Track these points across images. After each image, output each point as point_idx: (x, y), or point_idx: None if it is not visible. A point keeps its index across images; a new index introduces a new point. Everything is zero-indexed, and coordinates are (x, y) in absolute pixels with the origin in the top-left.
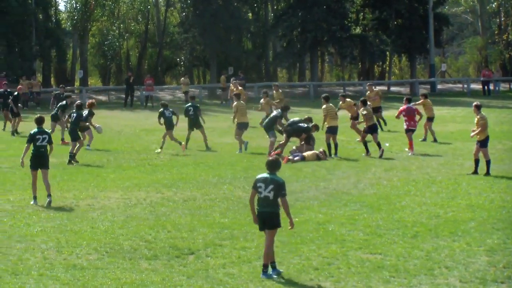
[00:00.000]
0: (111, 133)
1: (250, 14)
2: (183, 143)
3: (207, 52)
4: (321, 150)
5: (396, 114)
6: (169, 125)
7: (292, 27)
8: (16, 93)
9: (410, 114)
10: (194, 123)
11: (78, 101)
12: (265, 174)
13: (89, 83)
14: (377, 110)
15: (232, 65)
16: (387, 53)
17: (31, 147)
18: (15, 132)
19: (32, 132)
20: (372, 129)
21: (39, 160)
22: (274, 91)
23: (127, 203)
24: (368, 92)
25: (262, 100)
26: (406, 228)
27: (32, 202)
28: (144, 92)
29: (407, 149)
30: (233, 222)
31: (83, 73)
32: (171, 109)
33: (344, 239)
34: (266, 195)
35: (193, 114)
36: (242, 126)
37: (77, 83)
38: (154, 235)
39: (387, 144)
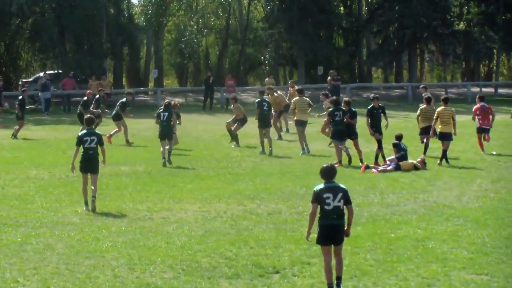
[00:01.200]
0: (189, 139)
1: (341, 8)
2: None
3: (294, 50)
4: (420, 158)
5: (471, 116)
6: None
7: (388, 22)
8: (85, 97)
9: (484, 113)
10: (266, 121)
11: (167, 100)
12: (326, 184)
13: (164, 83)
14: None
15: (322, 64)
16: (494, 51)
17: (81, 150)
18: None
19: (80, 133)
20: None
21: (88, 164)
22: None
23: (206, 216)
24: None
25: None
26: None
27: (84, 208)
28: (224, 94)
29: (494, 153)
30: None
31: (158, 72)
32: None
33: (446, 258)
34: (336, 205)
35: (267, 109)
36: (300, 124)
37: (151, 84)
38: (235, 252)
39: (494, 153)
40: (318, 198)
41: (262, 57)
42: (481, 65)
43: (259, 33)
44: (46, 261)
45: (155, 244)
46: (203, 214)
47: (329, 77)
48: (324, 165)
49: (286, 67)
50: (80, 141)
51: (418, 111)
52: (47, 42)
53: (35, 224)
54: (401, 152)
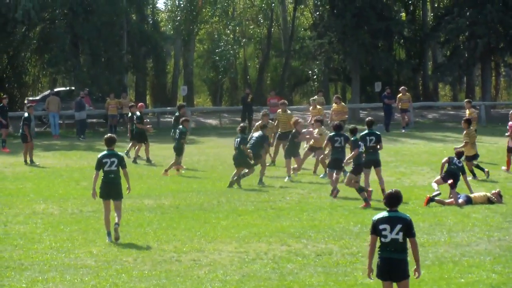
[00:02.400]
0: (223, 166)
1: (403, 14)
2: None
3: (348, 63)
4: (496, 191)
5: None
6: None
7: (458, 30)
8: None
9: None
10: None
11: (242, 124)
12: (385, 213)
13: (195, 102)
14: None
15: (380, 80)
16: None
17: (101, 174)
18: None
19: (99, 155)
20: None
21: (109, 188)
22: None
23: (243, 258)
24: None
25: None
26: None
27: (107, 240)
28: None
29: (503, 168)
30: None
31: (188, 89)
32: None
33: None
34: (394, 238)
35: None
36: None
37: (179, 102)
38: None
39: None
40: (374, 228)
41: (310, 72)
42: None
43: (306, 43)
44: None
45: None
46: (240, 255)
47: (400, 95)
48: (390, 191)
49: (338, 83)
50: (100, 164)
51: None
52: (58, 53)
53: (43, 268)
54: (451, 167)
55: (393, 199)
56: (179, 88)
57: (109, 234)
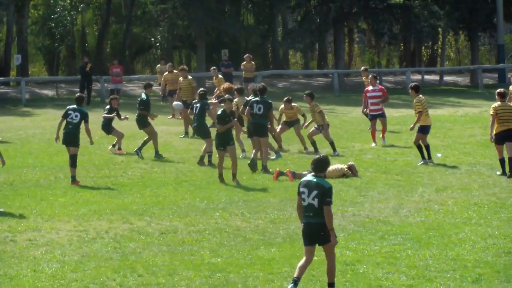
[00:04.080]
0: (53, 141)
1: None
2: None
3: (192, 29)
4: (349, 163)
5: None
6: None
7: None
8: None
9: None
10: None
11: (201, 89)
12: (309, 177)
13: (30, 72)
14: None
15: (228, 47)
16: (439, 30)
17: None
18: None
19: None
20: None
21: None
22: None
23: (83, 237)
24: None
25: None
26: (465, 269)
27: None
28: (110, 85)
29: (439, 155)
30: (228, 263)
31: (22, 58)
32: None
33: (381, 285)
34: (311, 203)
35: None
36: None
37: (13, 72)
38: (120, 281)
39: (439, 155)
40: (298, 190)
41: (153, 39)
42: (423, 48)
43: (148, 8)
44: None
45: (19, 273)
46: (79, 234)
47: (244, 63)
48: (318, 156)
49: (182, 50)
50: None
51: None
52: None
53: None
54: None
55: (318, 164)
56: (13, 57)
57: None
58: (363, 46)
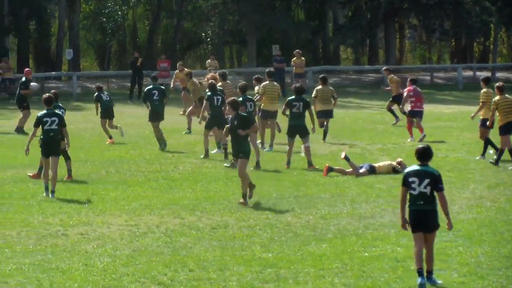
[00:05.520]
0: (112, 135)
1: None
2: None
3: (243, 25)
4: (398, 160)
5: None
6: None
7: None
8: None
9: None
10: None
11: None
12: (415, 167)
13: (81, 66)
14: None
15: (278, 42)
16: (491, 26)
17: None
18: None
19: (39, 114)
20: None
21: (50, 146)
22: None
23: (134, 231)
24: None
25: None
26: None
27: (44, 194)
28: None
29: (491, 151)
30: (279, 258)
31: (74, 53)
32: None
33: (432, 282)
34: (422, 191)
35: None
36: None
37: (65, 67)
38: (171, 276)
39: (491, 151)
40: (405, 181)
41: (203, 34)
42: (475, 44)
43: (199, 3)
44: None
45: (71, 267)
46: (130, 229)
47: (294, 58)
48: (422, 145)
49: (233, 45)
50: (39, 122)
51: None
52: None
53: None
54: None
55: (423, 154)
56: (64, 51)
57: (46, 189)
58: (414, 42)
